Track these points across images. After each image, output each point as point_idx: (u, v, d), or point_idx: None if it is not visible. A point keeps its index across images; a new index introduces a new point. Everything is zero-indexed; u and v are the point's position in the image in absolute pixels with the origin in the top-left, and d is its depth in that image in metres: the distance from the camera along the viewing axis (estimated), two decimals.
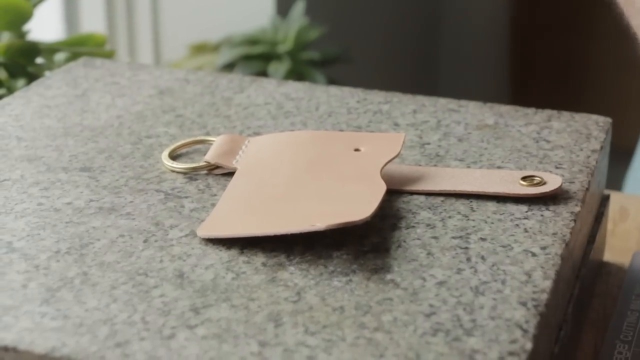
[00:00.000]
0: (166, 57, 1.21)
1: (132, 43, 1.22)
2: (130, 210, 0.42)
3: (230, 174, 0.45)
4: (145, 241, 0.40)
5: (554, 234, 0.40)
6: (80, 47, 0.65)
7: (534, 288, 0.37)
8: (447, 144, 0.48)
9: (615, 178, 0.74)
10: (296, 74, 1.00)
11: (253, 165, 0.45)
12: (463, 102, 0.53)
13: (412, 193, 0.44)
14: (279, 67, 1.00)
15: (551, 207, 0.42)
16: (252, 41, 1.04)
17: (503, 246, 0.40)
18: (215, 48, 1.08)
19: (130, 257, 0.39)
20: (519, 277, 0.37)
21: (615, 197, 0.59)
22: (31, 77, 0.62)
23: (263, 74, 1.00)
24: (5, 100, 0.53)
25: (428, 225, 0.41)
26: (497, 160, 0.47)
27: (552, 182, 0.43)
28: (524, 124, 0.50)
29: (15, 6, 0.62)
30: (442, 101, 0.53)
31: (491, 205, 0.43)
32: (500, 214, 0.42)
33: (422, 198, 0.43)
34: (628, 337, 0.47)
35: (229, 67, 1.02)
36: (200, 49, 1.08)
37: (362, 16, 1.42)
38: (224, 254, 0.39)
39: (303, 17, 1.05)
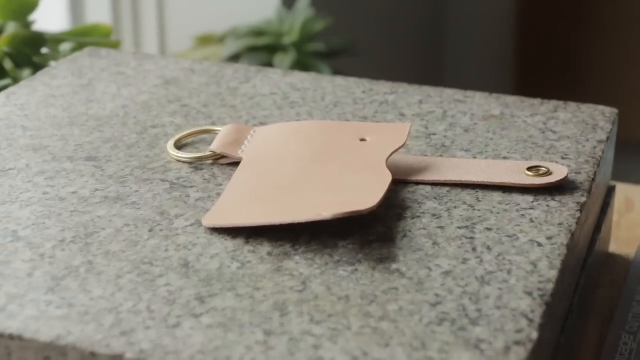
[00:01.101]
0: (172, 48, 1.21)
1: (138, 34, 1.22)
2: (136, 200, 0.42)
3: (236, 163, 0.45)
4: (150, 230, 0.40)
5: (560, 224, 0.40)
6: (86, 37, 0.65)
7: (540, 278, 0.37)
8: (453, 135, 0.48)
9: (621, 170, 0.74)
10: (302, 65, 1.00)
11: (259, 155, 0.45)
12: (469, 93, 0.53)
13: (417, 183, 0.44)
14: (285, 59, 1.00)
15: (557, 198, 0.42)
16: (258, 33, 1.03)
17: (509, 236, 0.40)
18: (220, 39, 1.08)
19: (135, 246, 0.39)
20: (524, 267, 0.37)
21: (620, 189, 0.58)
22: (37, 67, 0.62)
23: (269, 65, 1.00)
24: (11, 89, 0.53)
25: (434, 215, 0.41)
26: (503, 151, 0.47)
27: (558, 172, 0.43)
28: (530, 114, 0.50)
29: None
30: (448, 92, 0.53)
31: (497, 196, 0.43)
32: (506, 204, 0.42)
33: (428, 188, 0.43)
34: (634, 328, 0.47)
35: (235, 58, 1.02)
36: (205, 40, 1.08)
37: (368, 8, 1.42)
38: (230, 244, 0.39)
39: (309, 9, 1.04)
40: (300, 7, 1.05)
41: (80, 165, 0.45)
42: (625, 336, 0.46)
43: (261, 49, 1.02)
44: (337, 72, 0.98)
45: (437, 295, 0.36)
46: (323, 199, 0.41)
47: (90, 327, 0.34)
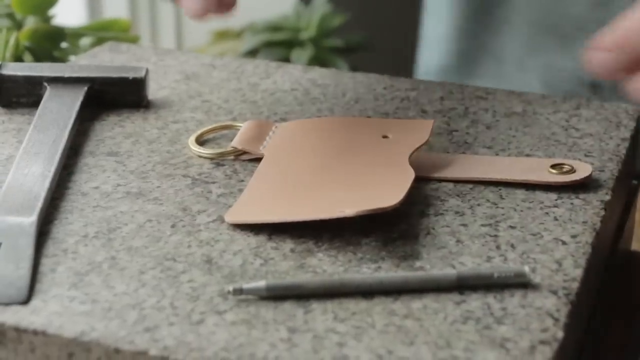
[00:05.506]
0: (188, 43, 1.21)
1: (155, 29, 1.22)
2: (158, 195, 0.42)
3: (258, 159, 0.45)
4: (173, 226, 0.40)
5: (584, 222, 0.40)
6: (105, 31, 0.65)
7: (565, 277, 0.37)
8: (475, 131, 0.48)
9: None
10: (319, 61, 1.00)
11: (280, 151, 0.45)
12: (490, 89, 0.53)
13: (440, 180, 0.43)
14: (302, 54, 1.00)
15: (581, 195, 0.42)
16: (275, 28, 1.03)
17: (533, 234, 0.39)
18: (238, 34, 1.08)
19: (158, 242, 0.39)
20: (549, 266, 0.37)
21: None
22: (56, 62, 0.62)
23: (286, 60, 1.00)
24: None
25: (457, 212, 0.41)
26: (525, 148, 0.46)
27: (582, 170, 0.43)
28: (553, 111, 0.50)
29: None
30: (470, 88, 0.53)
31: (520, 193, 0.42)
32: (530, 202, 0.42)
33: (450, 185, 0.43)
34: None
35: (252, 53, 1.02)
36: (222, 35, 1.08)
37: (385, 3, 1.42)
38: (252, 240, 0.39)
39: (326, 4, 1.04)
40: (317, 3, 1.05)
41: (102, 160, 0.45)
42: None
43: (278, 44, 1.02)
44: (354, 68, 0.98)
45: (461, 293, 0.36)
46: (346, 196, 0.40)
47: (114, 323, 0.34)
